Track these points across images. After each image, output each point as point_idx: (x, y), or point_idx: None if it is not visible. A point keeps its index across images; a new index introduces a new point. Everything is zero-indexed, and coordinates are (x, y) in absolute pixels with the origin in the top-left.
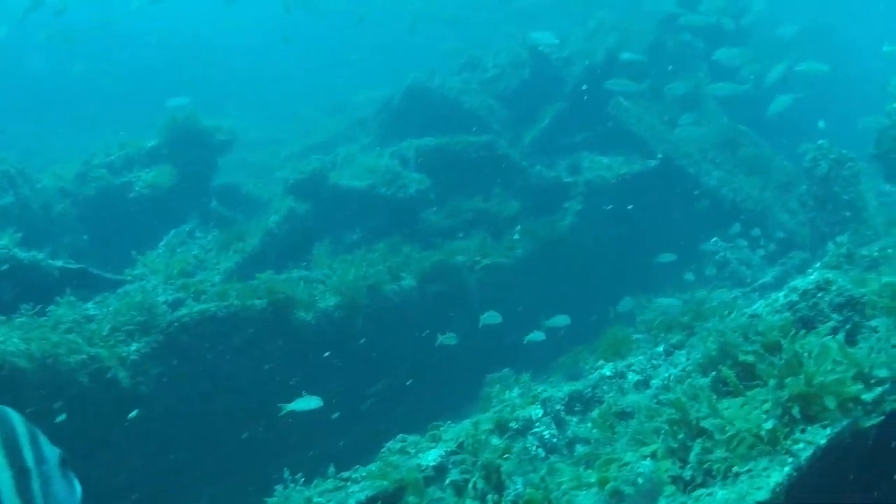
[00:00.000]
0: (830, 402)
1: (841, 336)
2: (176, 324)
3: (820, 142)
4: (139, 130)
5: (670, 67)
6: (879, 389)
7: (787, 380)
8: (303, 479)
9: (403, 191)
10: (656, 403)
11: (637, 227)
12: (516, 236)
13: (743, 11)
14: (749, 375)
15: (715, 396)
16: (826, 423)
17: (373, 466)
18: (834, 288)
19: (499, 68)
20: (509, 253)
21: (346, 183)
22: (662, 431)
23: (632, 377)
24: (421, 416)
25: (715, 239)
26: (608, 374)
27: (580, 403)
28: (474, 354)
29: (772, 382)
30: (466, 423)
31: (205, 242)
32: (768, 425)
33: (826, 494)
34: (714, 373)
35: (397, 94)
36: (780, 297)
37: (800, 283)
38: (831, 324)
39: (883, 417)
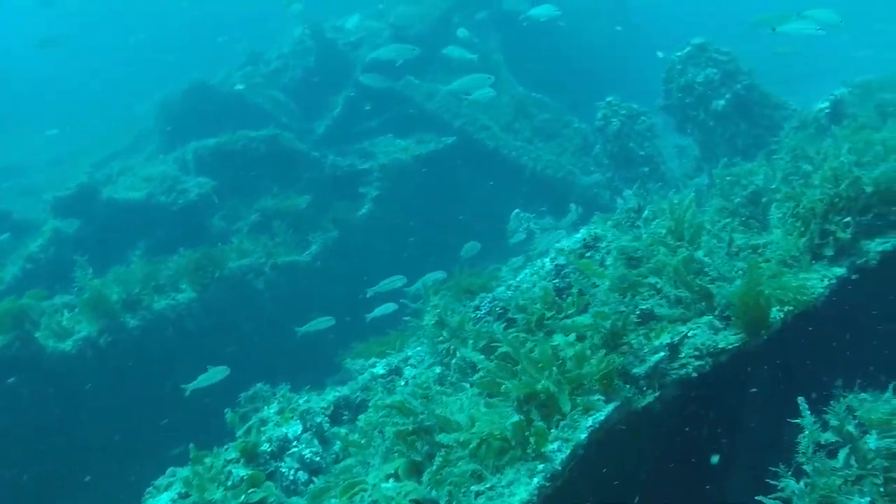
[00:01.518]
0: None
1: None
2: None
3: (609, 98)
4: None
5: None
6: (655, 358)
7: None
8: None
9: (184, 197)
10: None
11: (443, 206)
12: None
13: None
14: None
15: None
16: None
17: None
18: (603, 245)
19: (282, 59)
20: (303, 250)
21: (123, 196)
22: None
23: (409, 371)
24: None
25: (517, 210)
26: (381, 372)
27: (349, 411)
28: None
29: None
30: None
31: None
32: (511, 422)
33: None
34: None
35: (177, 97)
36: (547, 262)
37: (566, 243)
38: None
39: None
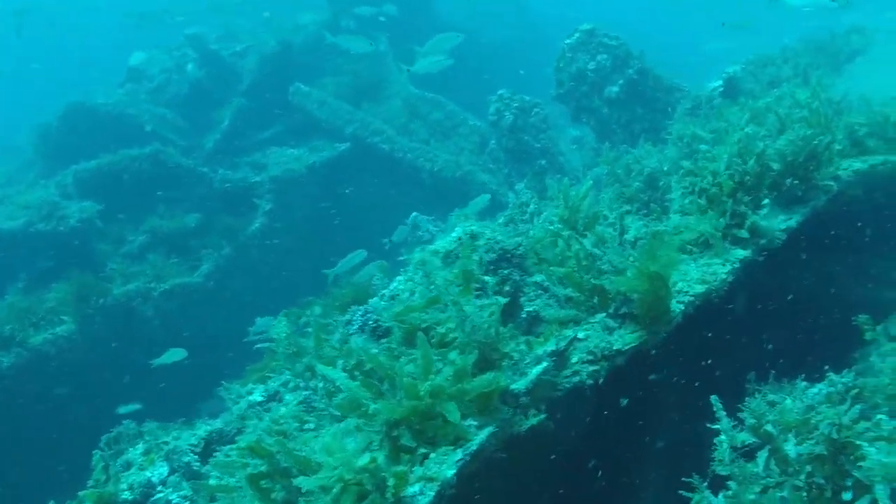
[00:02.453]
0: (452, 413)
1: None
2: None
3: (500, 91)
4: None
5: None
6: (537, 370)
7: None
8: None
9: (65, 223)
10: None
11: (342, 214)
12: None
13: None
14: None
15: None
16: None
17: None
18: (483, 242)
19: (166, 73)
20: (192, 271)
21: None
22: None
23: (291, 397)
24: None
25: (414, 214)
26: (259, 399)
27: (223, 446)
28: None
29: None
30: None
31: None
32: (363, 463)
33: None
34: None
35: (55, 120)
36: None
37: (440, 244)
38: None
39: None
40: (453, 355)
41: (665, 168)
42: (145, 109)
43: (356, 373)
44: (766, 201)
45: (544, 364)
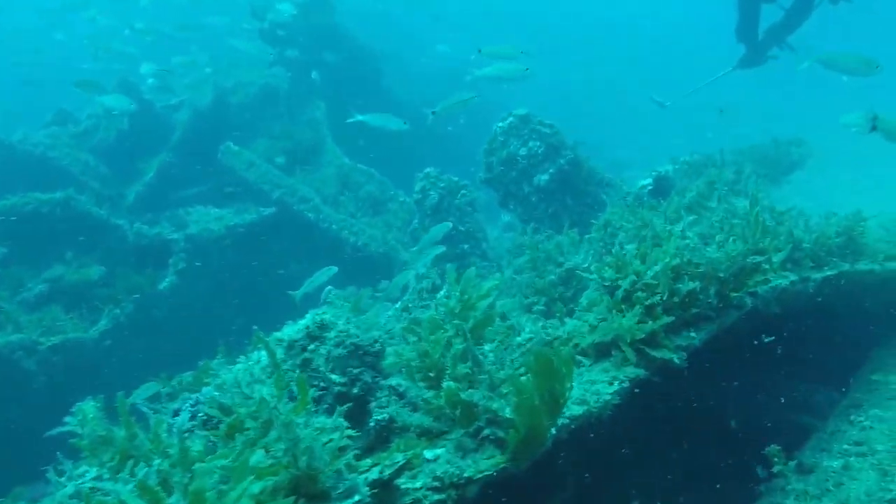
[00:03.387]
0: None
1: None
2: None
3: (427, 169)
4: None
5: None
6: None
7: None
8: None
9: None
10: None
11: (258, 281)
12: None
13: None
14: None
15: None
16: None
17: None
18: (332, 335)
19: (93, 119)
20: (89, 326)
21: None
22: None
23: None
24: None
25: (329, 288)
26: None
27: None
28: None
29: None
30: None
31: None
32: None
33: None
34: None
35: None
36: (263, 356)
37: (286, 331)
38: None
39: None
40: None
41: (586, 264)
42: (67, 153)
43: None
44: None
45: (356, 499)
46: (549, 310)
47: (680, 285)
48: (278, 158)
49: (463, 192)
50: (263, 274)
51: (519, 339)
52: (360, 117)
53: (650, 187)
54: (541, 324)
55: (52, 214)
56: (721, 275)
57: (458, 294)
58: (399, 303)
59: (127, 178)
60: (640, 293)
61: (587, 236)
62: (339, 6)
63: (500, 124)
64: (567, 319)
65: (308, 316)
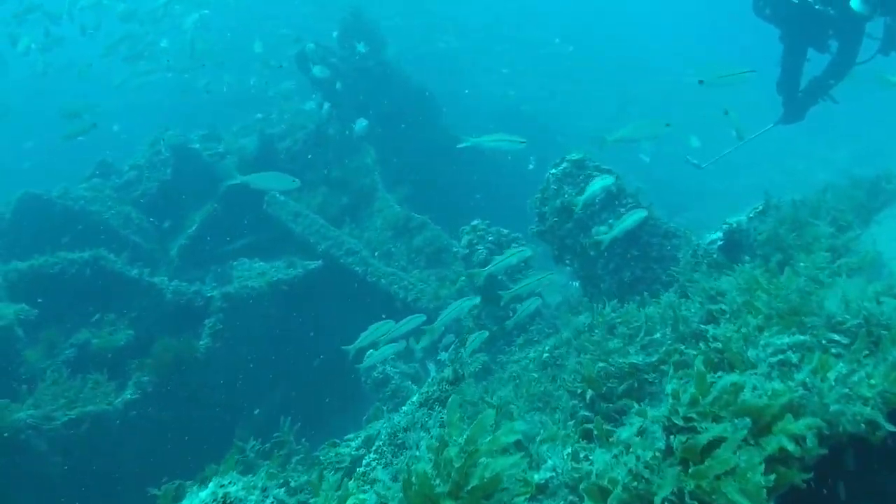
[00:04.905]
0: None
1: None
2: None
3: (475, 222)
4: None
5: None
6: None
7: None
8: None
9: None
10: None
11: (304, 341)
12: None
13: None
14: None
15: None
16: None
17: None
18: None
19: (136, 170)
20: (113, 398)
21: None
22: None
23: None
24: None
25: (370, 351)
26: None
27: None
28: None
29: None
30: None
31: None
32: None
33: None
34: None
35: (7, 212)
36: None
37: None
38: None
39: None
40: None
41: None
42: (109, 207)
43: None
44: None
45: None
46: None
47: None
48: (332, 209)
49: (514, 245)
50: (310, 331)
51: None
52: (472, 140)
53: (720, 243)
54: (569, 450)
55: (80, 275)
56: None
57: (460, 441)
58: (416, 395)
59: (172, 231)
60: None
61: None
62: (391, 47)
63: (553, 170)
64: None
65: (211, 485)
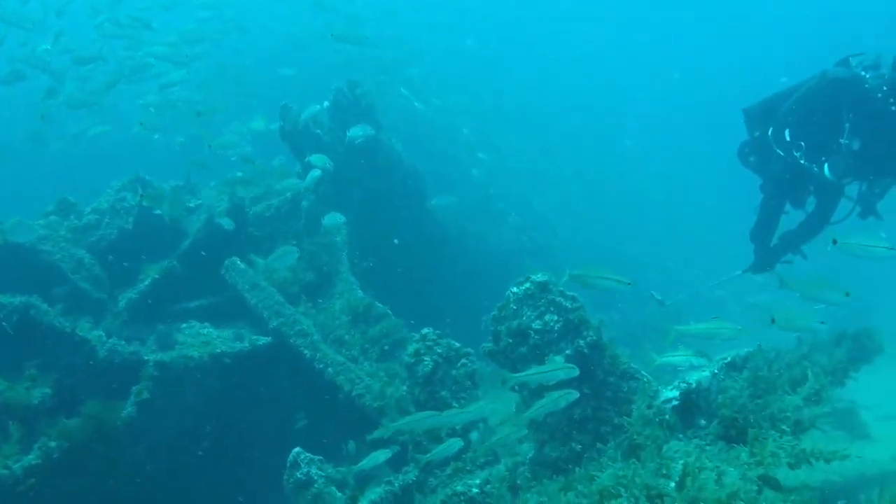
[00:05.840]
0: None
1: None
2: None
3: (425, 330)
4: None
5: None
6: None
7: None
8: None
9: None
10: None
11: (237, 422)
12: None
13: None
14: None
15: None
16: None
17: None
18: None
19: (97, 214)
20: (12, 462)
21: None
22: None
23: None
24: None
25: (297, 450)
26: None
27: None
28: None
29: None
30: None
31: None
32: None
33: None
34: None
35: None
36: None
37: None
38: None
39: None
40: None
41: None
42: (61, 248)
43: None
44: None
45: None
46: None
47: None
48: (293, 286)
49: (464, 361)
50: (247, 411)
51: None
52: (574, 273)
53: (675, 402)
54: None
55: (8, 321)
56: None
57: None
58: None
59: (124, 282)
60: None
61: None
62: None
63: (515, 289)
64: None
65: None
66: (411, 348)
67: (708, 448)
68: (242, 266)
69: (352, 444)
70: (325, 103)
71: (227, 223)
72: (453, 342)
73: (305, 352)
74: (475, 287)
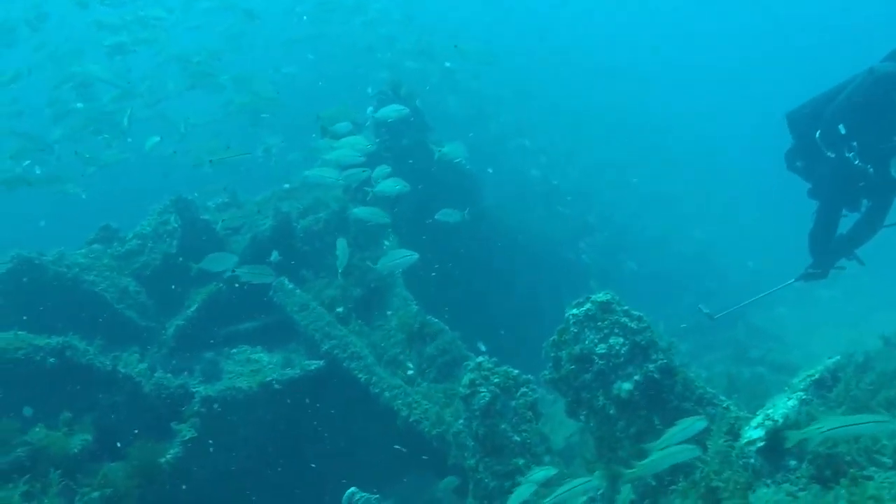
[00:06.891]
0: None
1: None
2: None
3: (479, 359)
4: None
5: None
6: None
7: None
8: None
9: None
10: None
11: (293, 454)
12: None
13: None
14: None
15: None
16: None
17: None
18: None
19: (140, 239)
20: None
21: None
22: None
23: None
24: None
25: (352, 490)
26: None
27: None
28: None
29: None
30: None
31: None
32: None
33: None
34: None
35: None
36: None
37: None
38: None
39: None
40: None
41: None
42: (105, 277)
43: None
44: None
45: None
46: None
47: None
48: (339, 307)
49: (524, 390)
50: (302, 442)
51: None
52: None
53: (761, 444)
54: None
55: (45, 362)
56: None
57: None
58: None
59: (172, 308)
60: None
61: None
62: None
63: (574, 311)
64: None
65: None
66: (466, 378)
67: (801, 495)
68: (290, 286)
69: (451, 479)
70: (369, 108)
71: (273, 256)
72: (511, 370)
73: (360, 375)
74: (532, 281)
